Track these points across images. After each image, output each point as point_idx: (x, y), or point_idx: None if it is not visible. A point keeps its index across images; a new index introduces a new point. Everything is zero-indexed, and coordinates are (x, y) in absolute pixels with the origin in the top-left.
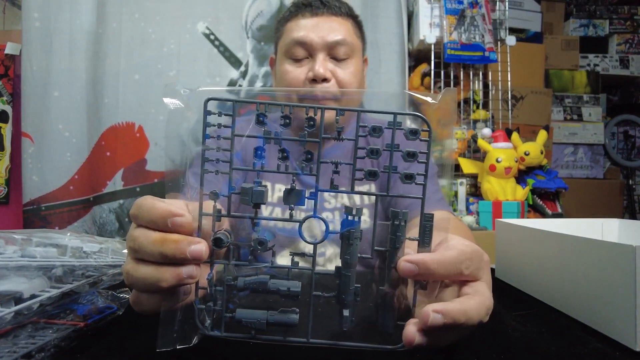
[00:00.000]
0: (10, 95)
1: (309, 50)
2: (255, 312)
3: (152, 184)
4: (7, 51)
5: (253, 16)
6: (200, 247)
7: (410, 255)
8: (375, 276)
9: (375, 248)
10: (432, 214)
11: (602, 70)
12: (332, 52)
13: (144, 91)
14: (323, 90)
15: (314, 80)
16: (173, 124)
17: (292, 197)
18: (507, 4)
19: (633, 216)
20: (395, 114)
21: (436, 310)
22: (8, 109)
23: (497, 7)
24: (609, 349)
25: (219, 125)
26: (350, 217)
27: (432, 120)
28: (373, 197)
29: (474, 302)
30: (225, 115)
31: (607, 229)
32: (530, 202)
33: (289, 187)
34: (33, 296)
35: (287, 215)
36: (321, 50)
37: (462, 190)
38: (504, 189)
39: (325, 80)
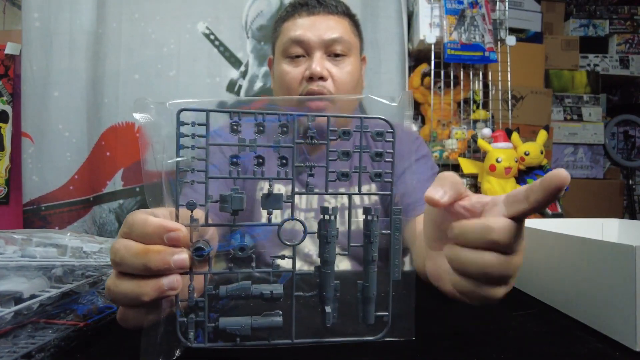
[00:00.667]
0: (10, 95)
1: (305, 49)
2: (239, 319)
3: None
4: (7, 51)
5: (253, 16)
6: (184, 256)
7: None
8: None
9: (352, 245)
10: (400, 208)
11: (602, 70)
12: (329, 50)
13: (144, 91)
14: (305, 99)
15: (311, 78)
16: (144, 138)
17: (270, 202)
18: (507, 4)
19: (633, 216)
20: (361, 118)
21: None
22: (8, 109)
23: (497, 7)
24: (609, 349)
25: (193, 136)
26: (326, 217)
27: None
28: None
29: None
30: (199, 125)
31: (607, 229)
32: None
33: (264, 194)
34: (33, 296)
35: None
36: (318, 48)
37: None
38: (504, 189)
39: (321, 78)
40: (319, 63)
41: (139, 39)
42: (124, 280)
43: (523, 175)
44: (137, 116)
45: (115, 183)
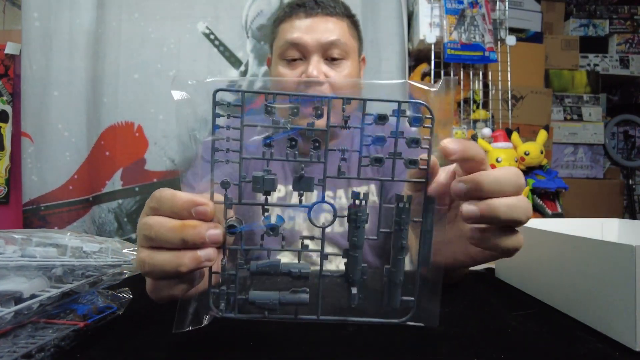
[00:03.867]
0: (10, 95)
1: (302, 52)
2: (268, 293)
3: (151, 184)
4: (7, 51)
5: (253, 15)
6: (218, 231)
7: (462, 177)
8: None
9: (381, 230)
10: (434, 197)
11: (602, 70)
12: (326, 53)
13: (143, 91)
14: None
15: None
16: (182, 115)
17: (302, 184)
18: (507, 3)
19: (633, 216)
20: (399, 102)
21: (459, 180)
22: (8, 108)
23: (497, 7)
24: (609, 349)
25: (229, 116)
26: (357, 202)
27: (434, 111)
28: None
29: (499, 169)
30: (234, 105)
31: (607, 229)
32: (530, 202)
33: (296, 176)
34: (33, 296)
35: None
36: (315, 51)
37: None
38: None
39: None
40: (316, 67)
41: (139, 38)
42: (160, 252)
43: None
44: (175, 93)
45: (115, 183)
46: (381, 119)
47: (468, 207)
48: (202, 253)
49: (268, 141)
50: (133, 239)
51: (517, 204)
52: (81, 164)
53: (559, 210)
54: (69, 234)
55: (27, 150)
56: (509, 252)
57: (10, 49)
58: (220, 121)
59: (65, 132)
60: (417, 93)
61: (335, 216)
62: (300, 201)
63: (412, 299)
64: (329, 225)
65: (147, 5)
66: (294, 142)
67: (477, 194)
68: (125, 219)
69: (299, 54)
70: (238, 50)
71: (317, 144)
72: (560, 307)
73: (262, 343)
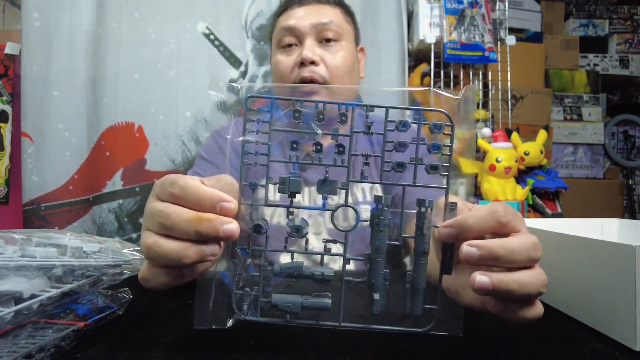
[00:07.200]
0: (10, 95)
1: (297, 37)
2: (290, 296)
3: (151, 184)
4: (7, 51)
5: (253, 16)
6: (233, 226)
7: (445, 222)
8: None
9: (404, 235)
10: (456, 202)
11: (602, 70)
12: (320, 35)
13: (143, 91)
14: (316, 87)
15: (302, 64)
16: (216, 115)
17: (325, 187)
18: (507, 3)
19: (633, 216)
20: (420, 110)
21: (471, 244)
22: (8, 109)
23: (497, 7)
24: (609, 349)
25: (259, 121)
26: (380, 206)
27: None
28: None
29: (516, 240)
30: (265, 111)
31: (607, 229)
32: (530, 202)
33: (320, 179)
34: (33, 296)
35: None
36: (309, 34)
37: (462, 190)
38: (503, 189)
39: (313, 63)
40: (310, 49)
41: (139, 39)
42: (168, 240)
43: (523, 175)
44: (212, 94)
45: (115, 183)
46: (404, 125)
47: (481, 278)
48: (207, 248)
49: (294, 144)
50: (133, 238)
51: (530, 281)
52: (81, 164)
53: (559, 210)
54: (69, 234)
55: (27, 150)
56: (529, 321)
57: (10, 49)
58: (250, 125)
59: (65, 132)
60: (437, 101)
61: (358, 220)
62: (324, 204)
63: (436, 307)
64: (351, 230)
65: (147, 5)
66: (319, 147)
67: (490, 262)
68: (126, 219)
69: (295, 39)
70: (238, 51)
71: (341, 149)
72: (560, 307)
73: (262, 343)
